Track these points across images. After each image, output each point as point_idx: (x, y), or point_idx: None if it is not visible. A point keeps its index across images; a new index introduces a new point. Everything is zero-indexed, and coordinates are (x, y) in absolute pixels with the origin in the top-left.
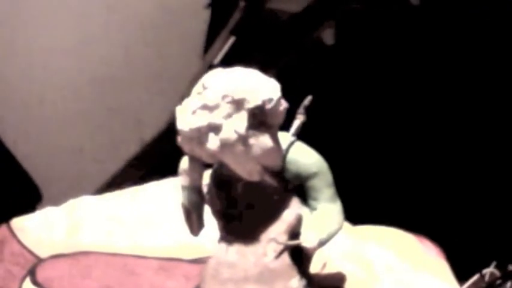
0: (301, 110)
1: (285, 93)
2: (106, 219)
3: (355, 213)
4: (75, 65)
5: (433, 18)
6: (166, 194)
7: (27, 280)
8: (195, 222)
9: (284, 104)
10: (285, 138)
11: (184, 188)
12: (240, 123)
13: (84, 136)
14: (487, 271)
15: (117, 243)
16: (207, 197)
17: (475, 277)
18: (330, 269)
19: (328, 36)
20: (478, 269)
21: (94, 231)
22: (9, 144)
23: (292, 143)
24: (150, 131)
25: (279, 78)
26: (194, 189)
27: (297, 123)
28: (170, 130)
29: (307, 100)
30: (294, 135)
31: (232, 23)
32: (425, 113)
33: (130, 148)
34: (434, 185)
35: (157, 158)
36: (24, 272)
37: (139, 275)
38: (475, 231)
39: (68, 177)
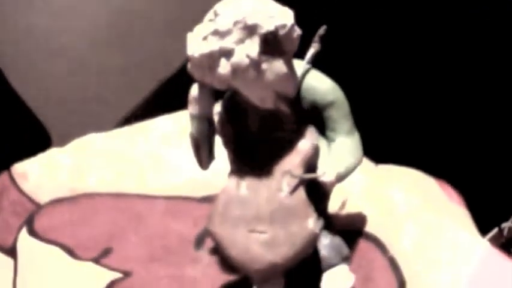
0: (316, 38)
1: (302, 27)
2: (113, 158)
3: (374, 152)
4: (90, 8)
5: None
6: (178, 127)
7: (24, 230)
8: (204, 154)
9: (298, 31)
10: (300, 66)
11: (193, 116)
12: (252, 48)
13: (98, 80)
14: (506, 225)
15: (124, 183)
16: (217, 126)
17: (494, 231)
18: (349, 210)
19: None
20: (497, 223)
21: (100, 172)
22: (20, 89)
23: (307, 71)
24: (166, 73)
25: (296, 13)
26: (204, 118)
27: (312, 51)
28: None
29: (322, 29)
30: (308, 63)
31: None
32: (456, 48)
33: (146, 91)
34: (458, 133)
35: (173, 97)
36: (21, 221)
37: (145, 218)
38: (494, 182)
39: (80, 122)
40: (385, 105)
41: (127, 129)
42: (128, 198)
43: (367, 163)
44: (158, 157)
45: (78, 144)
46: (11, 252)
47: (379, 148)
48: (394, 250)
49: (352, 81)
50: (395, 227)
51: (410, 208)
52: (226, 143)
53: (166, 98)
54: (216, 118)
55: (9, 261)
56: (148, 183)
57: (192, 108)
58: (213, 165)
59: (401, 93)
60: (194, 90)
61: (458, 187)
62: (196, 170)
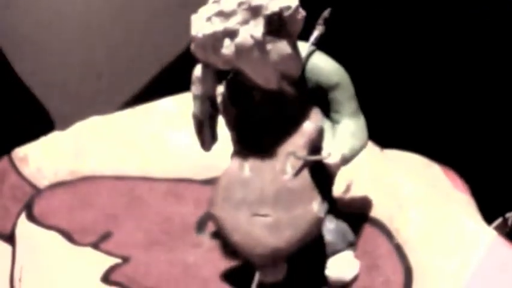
0: (320, 21)
1: (307, 9)
2: (115, 141)
3: (379, 136)
4: None
5: None
6: (181, 109)
7: (23, 215)
8: (206, 135)
9: (302, 13)
10: (305, 47)
11: (196, 97)
12: (256, 28)
13: (101, 63)
14: (510, 215)
15: (126, 166)
16: (221, 107)
17: (498, 221)
18: (353, 194)
19: None
20: (501, 212)
21: (102, 155)
22: (22, 73)
23: (312, 52)
24: (170, 56)
25: None
26: (207, 99)
27: (316, 33)
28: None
29: (327, 12)
30: (313, 44)
31: None
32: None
33: (149, 73)
34: (464, 121)
35: (176, 79)
36: (21, 206)
37: (146, 200)
38: (498, 171)
39: (83, 105)
40: (391, 89)
41: (129, 111)
42: (129, 181)
43: (372, 147)
44: (160, 139)
45: (80, 127)
46: (10, 238)
47: (384, 133)
48: (399, 237)
49: (357, 65)
50: (401, 213)
51: (415, 195)
52: (230, 124)
53: (169, 80)
54: (219, 99)
55: (7, 248)
56: (150, 166)
57: (195, 89)
58: (217, 146)
59: (407, 78)
60: (197, 70)
61: (463, 175)
62: (199, 152)
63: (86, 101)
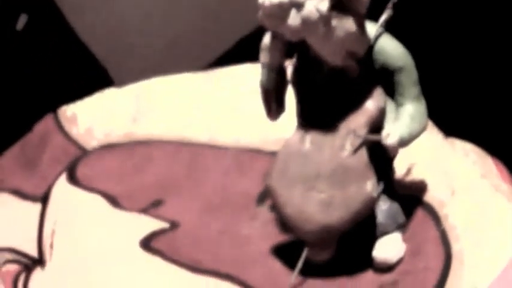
0: (389, 4)
1: None
2: (180, 103)
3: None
4: None
5: None
6: (257, 78)
7: (63, 176)
8: (272, 104)
9: None
10: (373, 29)
11: (264, 65)
12: (322, 3)
13: (175, 29)
14: None
15: (189, 131)
16: (291, 78)
17: None
18: (413, 177)
19: None
20: None
21: (163, 117)
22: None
23: (380, 34)
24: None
25: None
26: (274, 68)
27: (385, 16)
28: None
29: None
30: (381, 26)
31: None
32: None
33: (224, 46)
34: None
35: (253, 53)
36: (61, 168)
37: (208, 168)
38: None
39: (150, 72)
40: (456, 79)
41: (200, 74)
42: (192, 148)
43: (437, 134)
44: (231, 106)
45: (140, 86)
46: (42, 199)
47: (448, 122)
48: (447, 223)
49: (423, 52)
50: (452, 199)
51: (467, 183)
52: (296, 95)
53: (245, 52)
54: (289, 70)
55: (35, 207)
56: (217, 133)
57: (263, 57)
58: (289, 119)
59: (474, 71)
60: (266, 38)
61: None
62: (270, 123)
63: (154, 68)
